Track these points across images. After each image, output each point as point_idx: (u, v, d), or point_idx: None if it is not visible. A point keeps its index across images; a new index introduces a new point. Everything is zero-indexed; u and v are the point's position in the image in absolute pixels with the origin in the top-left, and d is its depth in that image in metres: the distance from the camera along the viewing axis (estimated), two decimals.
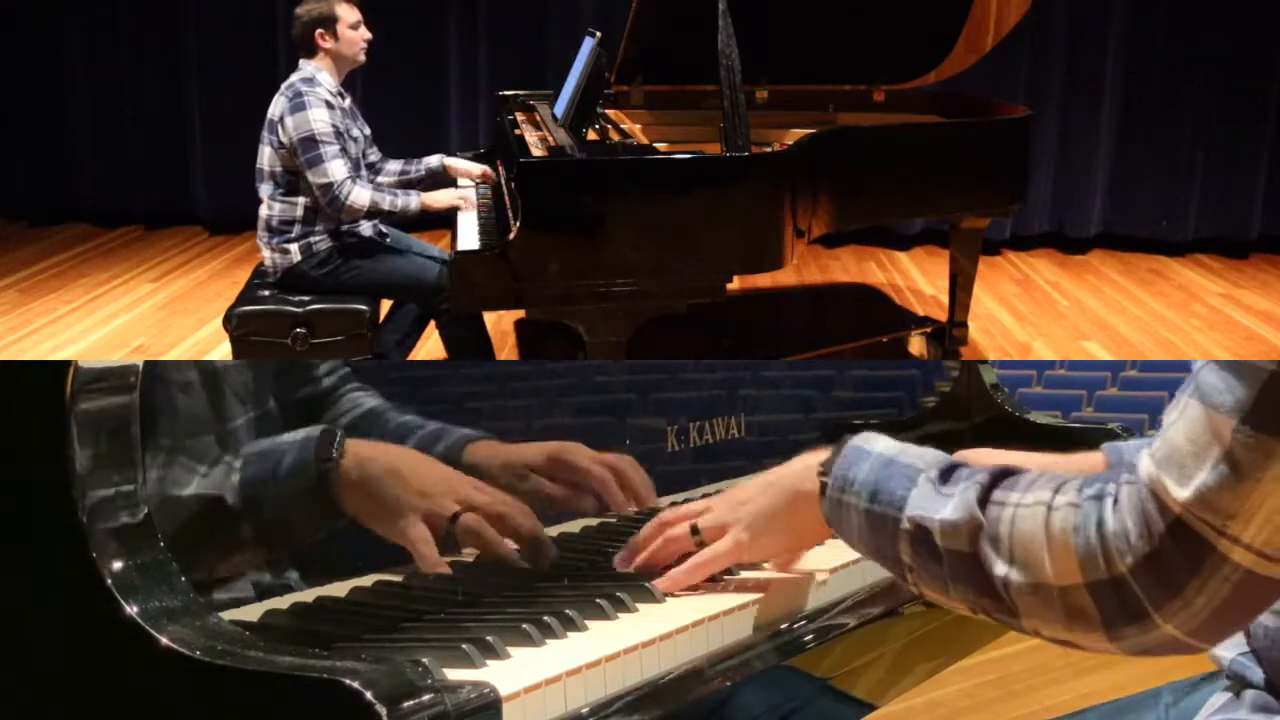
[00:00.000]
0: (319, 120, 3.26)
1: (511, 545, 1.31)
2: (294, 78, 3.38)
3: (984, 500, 1.00)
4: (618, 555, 1.39)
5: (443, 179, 3.75)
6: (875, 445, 1.13)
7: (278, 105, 3.34)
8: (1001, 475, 1.01)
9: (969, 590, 1.00)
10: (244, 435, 1.16)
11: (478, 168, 3.77)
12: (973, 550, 0.99)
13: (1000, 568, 0.97)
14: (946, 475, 1.04)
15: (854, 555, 1.45)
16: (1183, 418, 0.91)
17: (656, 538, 1.37)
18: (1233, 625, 0.93)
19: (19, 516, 0.99)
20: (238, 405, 1.17)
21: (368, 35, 3.47)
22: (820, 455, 1.19)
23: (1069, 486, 0.97)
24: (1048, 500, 0.97)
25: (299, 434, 1.18)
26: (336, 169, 3.26)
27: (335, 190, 3.25)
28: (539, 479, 1.41)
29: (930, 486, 1.04)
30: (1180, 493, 0.89)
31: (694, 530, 1.34)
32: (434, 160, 3.78)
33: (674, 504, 1.58)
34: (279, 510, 1.15)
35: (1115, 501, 0.93)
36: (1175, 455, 0.90)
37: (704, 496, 1.66)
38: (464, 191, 3.58)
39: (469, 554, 1.31)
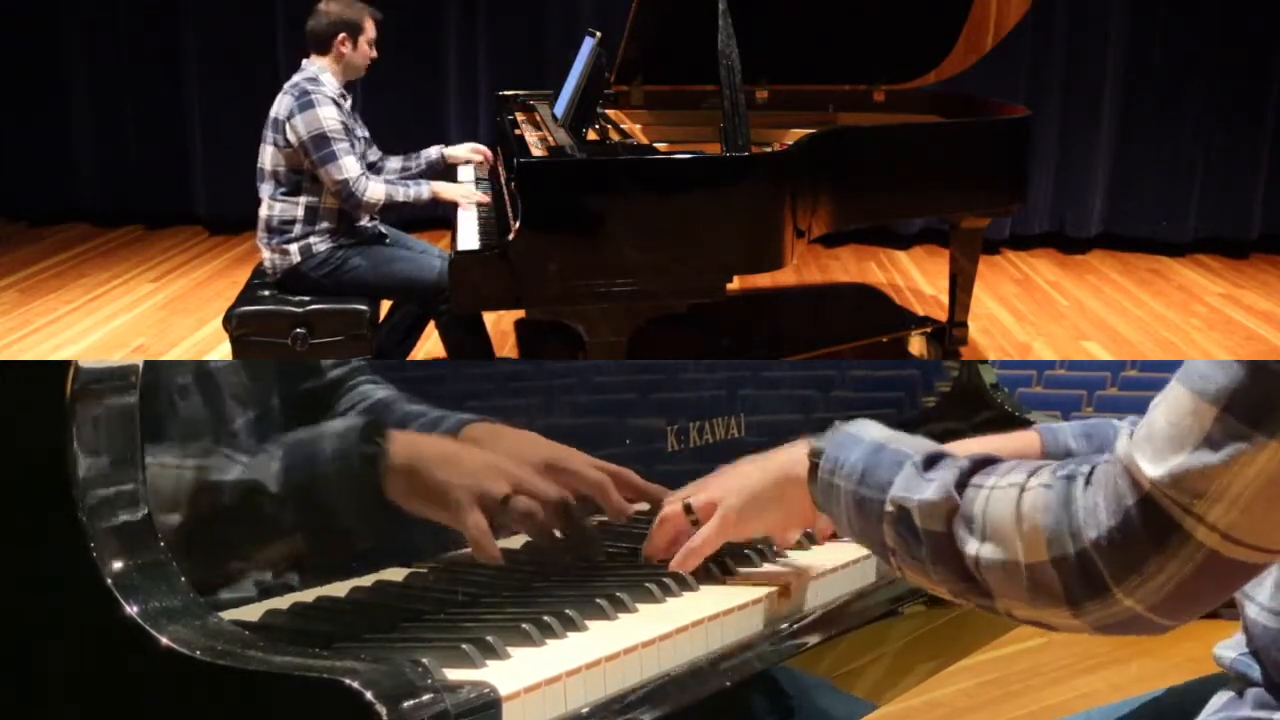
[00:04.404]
0: (329, 118, 3.27)
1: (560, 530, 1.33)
2: (298, 77, 3.38)
3: (962, 484, 1.03)
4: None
5: (441, 173, 3.77)
6: (866, 432, 1.16)
7: (283, 104, 3.33)
8: (982, 463, 1.04)
9: (947, 573, 1.03)
10: (251, 434, 1.16)
11: (475, 151, 3.86)
12: (948, 530, 1.02)
13: (972, 546, 1.00)
14: (931, 462, 1.07)
15: (852, 556, 1.46)
16: (1166, 401, 0.94)
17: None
18: (1197, 604, 0.94)
19: (19, 516, 0.99)
20: (239, 405, 1.17)
21: (375, 54, 3.52)
22: (810, 442, 1.21)
23: (1044, 470, 1.00)
24: (1021, 482, 0.99)
25: (338, 423, 1.18)
26: (351, 165, 3.28)
27: (352, 187, 3.27)
28: (531, 477, 1.34)
29: (914, 471, 1.07)
30: (1153, 470, 0.92)
31: (688, 510, 1.37)
32: (433, 152, 3.80)
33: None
34: (321, 500, 1.15)
35: (1088, 481, 0.96)
36: (1154, 436, 0.93)
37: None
38: (470, 188, 3.59)
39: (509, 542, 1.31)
